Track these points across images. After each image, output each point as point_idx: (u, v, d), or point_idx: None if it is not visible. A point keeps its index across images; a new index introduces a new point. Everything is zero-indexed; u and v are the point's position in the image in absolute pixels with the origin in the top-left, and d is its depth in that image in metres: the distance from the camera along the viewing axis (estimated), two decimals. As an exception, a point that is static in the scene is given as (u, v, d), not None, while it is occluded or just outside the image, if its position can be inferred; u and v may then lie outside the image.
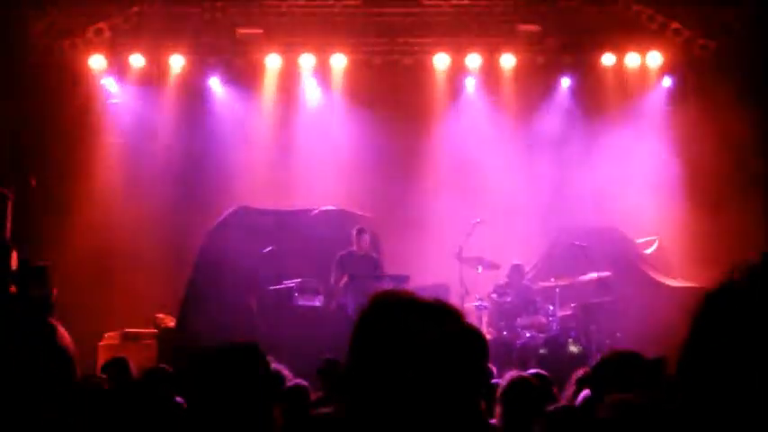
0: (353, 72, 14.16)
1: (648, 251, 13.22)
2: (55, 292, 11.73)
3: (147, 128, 14.11)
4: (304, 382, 5.83)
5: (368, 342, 1.69)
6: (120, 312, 12.67)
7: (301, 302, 11.03)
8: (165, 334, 11.50)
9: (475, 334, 3.23)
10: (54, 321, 1.38)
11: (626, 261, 12.48)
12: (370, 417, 1.64)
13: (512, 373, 5.05)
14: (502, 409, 4.65)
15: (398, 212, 13.28)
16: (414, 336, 1.67)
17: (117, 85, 14.15)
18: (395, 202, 13.39)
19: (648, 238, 13.33)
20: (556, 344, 11.13)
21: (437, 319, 1.70)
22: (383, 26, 13.81)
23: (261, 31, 13.84)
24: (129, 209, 13.67)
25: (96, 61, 13.90)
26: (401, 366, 1.63)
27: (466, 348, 1.72)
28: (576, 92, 14.13)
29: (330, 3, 13.64)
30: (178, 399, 5.67)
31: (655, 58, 13.87)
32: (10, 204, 12.12)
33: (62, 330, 1.35)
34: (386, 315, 1.71)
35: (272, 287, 11.21)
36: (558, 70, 14.09)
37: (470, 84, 14.25)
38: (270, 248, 11.29)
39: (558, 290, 11.74)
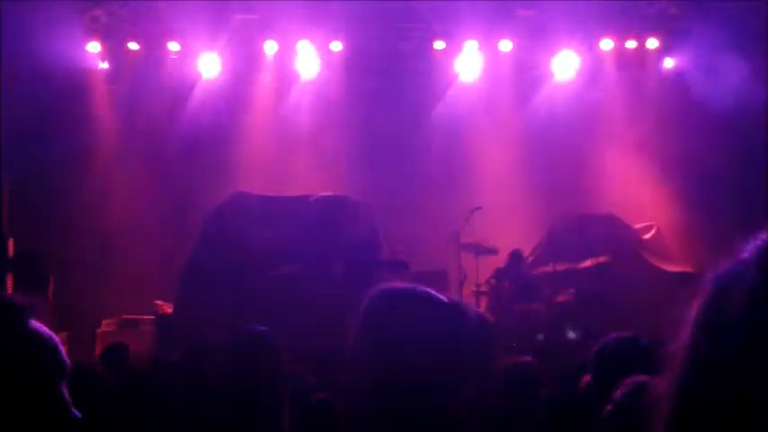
0: (351, 58, 14.11)
1: (646, 237, 13.22)
2: (52, 279, 11.71)
3: (144, 114, 14.06)
4: (298, 369, 5.81)
5: (376, 334, 1.66)
6: (118, 299, 12.66)
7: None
8: (162, 320, 11.46)
9: (486, 324, 3.22)
10: (33, 327, 1.24)
11: (624, 247, 12.48)
12: (381, 407, 1.62)
13: (505, 359, 5.06)
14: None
15: (397, 199, 13.25)
16: (426, 329, 1.64)
17: (114, 71, 14.10)
18: (393, 189, 13.36)
19: (646, 224, 13.32)
20: (554, 330, 11.13)
21: (450, 314, 1.68)
22: (381, 12, 13.73)
23: (258, 16, 13.78)
24: (127, 194, 13.65)
25: (93, 48, 13.84)
26: (412, 359, 1.61)
27: (476, 342, 1.70)
28: (575, 77, 14.06)
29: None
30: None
31: (653, 43, 13.83)
32: (6, 192, 12.08)
33: (40, 339, 1.21)
34: (396, 307, 1.68)
35: (270, 273, 11.20)
36: (557, 54, 14.03)
37: (469, 69, 14.17)
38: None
39: (556, 275, 11.71)
